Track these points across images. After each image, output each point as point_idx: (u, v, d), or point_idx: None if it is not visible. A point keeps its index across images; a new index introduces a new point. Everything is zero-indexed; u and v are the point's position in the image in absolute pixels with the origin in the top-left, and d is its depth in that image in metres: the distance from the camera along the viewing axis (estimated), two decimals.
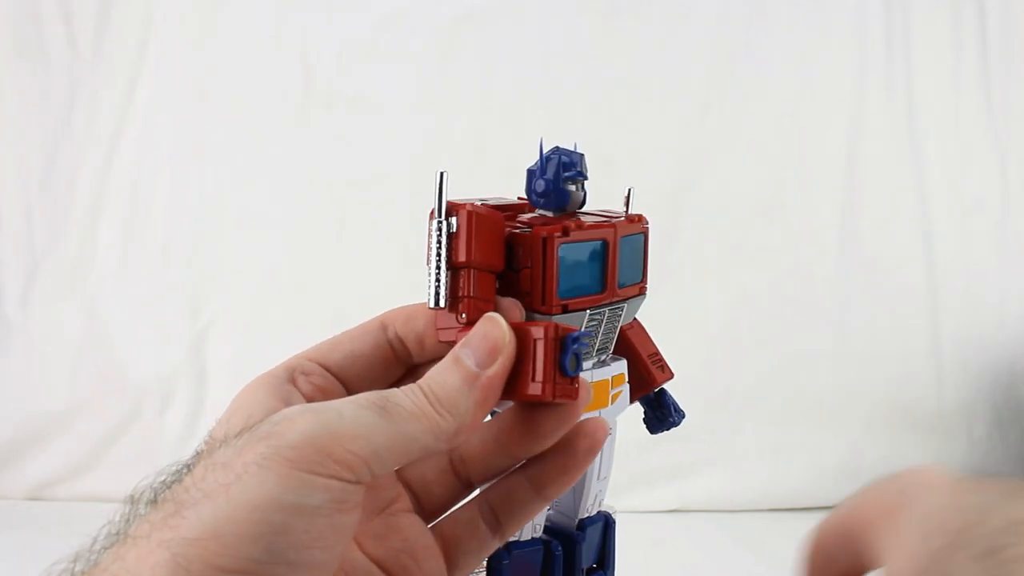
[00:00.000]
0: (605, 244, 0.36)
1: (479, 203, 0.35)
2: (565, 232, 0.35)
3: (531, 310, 0.35)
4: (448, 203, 0.33)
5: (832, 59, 1.05)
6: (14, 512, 0.97)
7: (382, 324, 0.34)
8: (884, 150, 1.05)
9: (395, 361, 0.35)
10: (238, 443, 0.26)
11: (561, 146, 0.37)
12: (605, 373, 0.39)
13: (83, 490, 1.00)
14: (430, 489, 0.34)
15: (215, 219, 1.03)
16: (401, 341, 0.34)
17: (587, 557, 0.41)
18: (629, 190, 0.39)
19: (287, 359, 0.33)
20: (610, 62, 1.03)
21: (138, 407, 1.01)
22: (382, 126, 1.02)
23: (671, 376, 0.42)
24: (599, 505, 0.42)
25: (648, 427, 0.43)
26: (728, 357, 1.03)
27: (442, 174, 0.33)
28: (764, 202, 1.05)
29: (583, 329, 0.36)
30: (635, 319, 0.42)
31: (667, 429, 0.43)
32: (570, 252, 0.35)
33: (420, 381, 0.29)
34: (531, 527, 0.38)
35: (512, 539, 0.38)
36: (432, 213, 0.33)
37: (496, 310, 0.33)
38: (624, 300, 0.38)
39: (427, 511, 0.34)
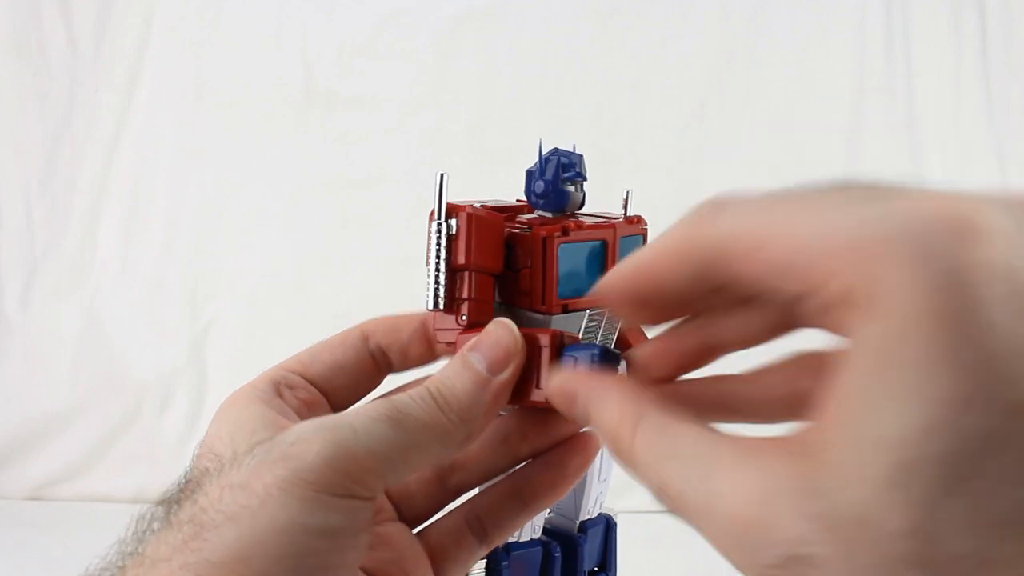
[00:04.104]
0: (604, 244, 0.36)
1: (478, 205, 0.35)
2: (565, 232, 0.35)
3: (530, 310, 0.35)
4: (448, 205, 0.33)
5: (832, 59, 1.05)
6: (14, 512, 0.97)
7: (363, 334, 0.34)
8: (884, 150, 1.05)
9: (376, 371, 0.34)
10: (251, 462, 0.26)
11: (560, 147, 0.37)
12: None
13: (83, 490, 1.00)
14: (412, 497, 0.34)
15: (215, 219, 1.03)
16: (383, 352, 0.34)
17: (589, 559, 0.41)
18: (627, 192, 0.39)
19: (267, 370, 0.32)
20: (610, 62, 1.03)
21: (138, 407, 1.01)
22: (382, 126, 1.02)
23: None
24: (600, 507, 0.41)
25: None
26: (728, 357, 1.03)
27: (442, 175, 0.33)
28: None
29: (583, 329, 0.36)
30: None
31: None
32: (569, 252, 0.35)
33: (428, 384, 0.29)
34: (530, 528, 0.38)
35: (511, 540, 0.38)
36: (432, 214, 0.33)
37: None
38: None
39: (407, 519, 0.34)
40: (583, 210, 0.38)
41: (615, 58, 1.03)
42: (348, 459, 0.26)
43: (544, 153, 0.37)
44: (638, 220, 0.39)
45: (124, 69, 1.01)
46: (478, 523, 0.33)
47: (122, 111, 1.01)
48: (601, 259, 0.36)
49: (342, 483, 0.25)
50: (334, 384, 0.33)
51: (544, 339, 0.31)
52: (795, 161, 1.05)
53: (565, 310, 0.35)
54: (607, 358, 0.30)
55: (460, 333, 0.33)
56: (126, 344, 1.02)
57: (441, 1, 1.02)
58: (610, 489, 0.42)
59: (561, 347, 0.31)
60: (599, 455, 0.40)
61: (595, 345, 0.31)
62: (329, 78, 1.02)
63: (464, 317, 0.33)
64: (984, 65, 1.05)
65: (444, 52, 1.02)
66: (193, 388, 1.02)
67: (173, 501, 0.27)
